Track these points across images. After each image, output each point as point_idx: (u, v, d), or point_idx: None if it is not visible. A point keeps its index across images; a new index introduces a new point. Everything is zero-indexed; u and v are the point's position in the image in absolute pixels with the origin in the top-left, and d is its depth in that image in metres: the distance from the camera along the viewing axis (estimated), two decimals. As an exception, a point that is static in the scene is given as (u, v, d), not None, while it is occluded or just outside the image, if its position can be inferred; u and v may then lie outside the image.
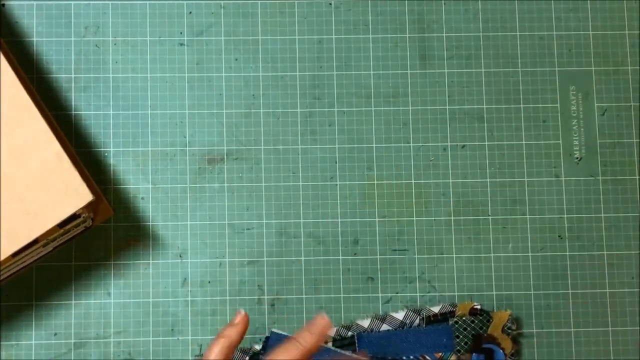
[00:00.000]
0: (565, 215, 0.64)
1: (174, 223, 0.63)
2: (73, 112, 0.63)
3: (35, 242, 0.55)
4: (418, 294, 0.63)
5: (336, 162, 0.64)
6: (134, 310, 0.62)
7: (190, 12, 0.65)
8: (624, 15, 0.66)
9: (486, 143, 0.64)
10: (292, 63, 0.64)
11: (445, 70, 0.65)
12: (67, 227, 0.57)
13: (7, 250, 0.54)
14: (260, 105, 0.64)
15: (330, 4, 0.65)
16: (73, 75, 0.64)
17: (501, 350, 0.61)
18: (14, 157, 0.55)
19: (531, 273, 0.63)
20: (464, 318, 0.61)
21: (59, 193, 0.54)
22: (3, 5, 0.64)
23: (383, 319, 0.62)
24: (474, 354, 0.61)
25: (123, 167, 0.63)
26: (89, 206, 0.56)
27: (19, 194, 0.54)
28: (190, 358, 0.62)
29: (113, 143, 0.63)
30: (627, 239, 0.64)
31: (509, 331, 0.61)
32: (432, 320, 0.61)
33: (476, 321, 0.61)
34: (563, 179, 0.64)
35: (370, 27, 0.65)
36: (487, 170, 0.64)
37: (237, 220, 0.63)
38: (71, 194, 0.54)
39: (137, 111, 0.63)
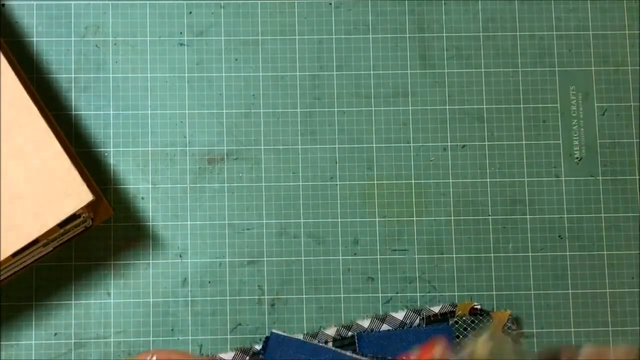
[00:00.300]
0: (565, 215, 0.64)
1: (174, 223, 0.63)
2: (73, 112, 0.63)
3: (35, 242, 0.55)
4: (418, 294, 0.63)
5: (336, 162, 0.64)
6: (134, 310, 0.62)
7: (190, 12, 0.65)
8: (624, 15, 0.66)
9: (486, 143, 0.64)
10: (292, 63, 0.64)
11: (445, 70, 0.65)
12: (67, 227, 0.57)
13: (7, 250, 0.54)
14: (260, 105, 0.64)
15: (330, 4, 0.65)
16: (73, 75, 0.64)
17: (501, 351, 0.61)
18: (14, 157, 0.55)
19: (531, 273, 0.63)
20: (464, 318, 0.61)
21: (59, 193, 0.54)
22: (3, 5, 0.64)
23: (383, 319, 0.62)
24: (474, 354, 0.61)
25: (123, 167, 0.63)
26: (89, 206, 0.56)
27: (19, 194, 0.54)
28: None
29: (113, 143, 0.63)
30: (627, 239, 0.64)
31: (509, 331, 0.61)
32: (432, 320, 0.61)
33: (476, 321, 0.61)
34: (563, 179, 0.64)
35: (370, 27, 0.65)
36: (487, 170, 0.64)
37: (237, 220, 0.63)
38: (71, 194, 0.54)
39: (137, 111, 0.63)
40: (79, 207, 0.54)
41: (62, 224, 0.55)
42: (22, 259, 0.57)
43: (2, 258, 0.53)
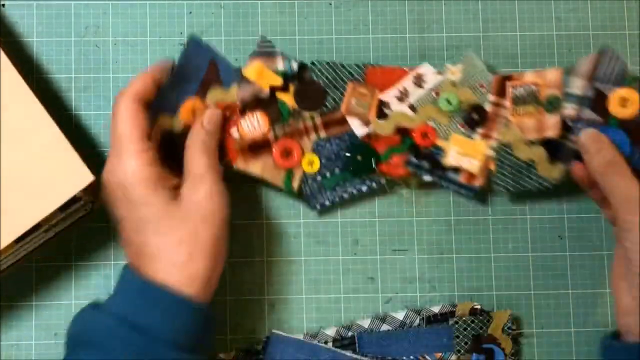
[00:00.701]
0: (565, 215, 0.64)
1: (174, 223, 0.62)
2: (73, 112, 0.63)
3: (37, 227, 0.55)
4: (418, 294, 0.63)
5: (336, 162, 0.64)
6: (134, 310, 0.62)
7: (190, 12, 0.65)
8: (624, 15, 0.66)
9: (486, 143, 0.64)
10: (292, 63, 0.64)
11: (445, 70, 0.65)
12: (68, 211, 0.57)
13: (9, 236, 0.53)
14: (260, 105, 0.64)
15: (330, 4, 0.65)
16: (73, 75, 0.64)
17: (501, 351, 0.61)
18: (12, 141, 0.55)
19: (531, 273, 0.63)
20: (464, 318, 0.61)
21: (59, 175, 0.54)
22: (3, 5, 0.64)
23: (383, 319, 0.62)
24: (474, 354, 0.61)
25: (123, 167, 0.63)
26: (89, 189, 0.56)
27: (19, 178, 0.54)
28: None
29: (113, 143, 0.63)
30: (627, 239, 0.64)
31: (509, 331, 0.61)
32: (432, 320, 0.61)
33: (476, 321, 0.61)
34: (563, 179, 0.64)
35: (370, 27, 0.65)
36: (487, 170, 0.64)
37: (237, 221, 0.63)
38: (72, 175, 0.54)
39: (137, 111, 0.63)
40: (80, 188, 0.54)
41: (63, 208, 0.55)
42: (24, 246, 0.57)
43: (4, 245, 0.53)
